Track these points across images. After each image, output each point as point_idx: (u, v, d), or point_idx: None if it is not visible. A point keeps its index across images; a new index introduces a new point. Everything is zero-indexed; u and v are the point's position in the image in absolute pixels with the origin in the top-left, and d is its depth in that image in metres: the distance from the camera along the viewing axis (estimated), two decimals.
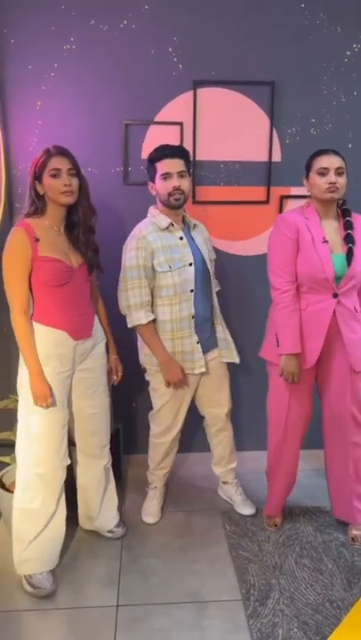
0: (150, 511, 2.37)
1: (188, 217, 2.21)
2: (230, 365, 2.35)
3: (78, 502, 2.22)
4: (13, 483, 2.04)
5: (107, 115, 2.44)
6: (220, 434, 2.41)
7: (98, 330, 2.05)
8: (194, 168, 2.42)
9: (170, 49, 2.41)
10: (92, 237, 1.95)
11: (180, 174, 2.04)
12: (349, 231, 1.99)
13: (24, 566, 1.97)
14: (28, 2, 2.31)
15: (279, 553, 2.15)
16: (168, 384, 2.15)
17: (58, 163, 1.81)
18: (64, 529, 2.02)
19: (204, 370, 2.17)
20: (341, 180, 1.95)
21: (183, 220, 2.19)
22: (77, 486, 2.19)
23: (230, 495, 2.47)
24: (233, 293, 2.51)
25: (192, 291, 2.11)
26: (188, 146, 2.37)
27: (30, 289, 1.86)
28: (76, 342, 1.92)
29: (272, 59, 2.45)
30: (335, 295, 1.99)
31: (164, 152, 2.04)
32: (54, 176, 1.81)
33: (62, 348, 1.90)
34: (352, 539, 2.19)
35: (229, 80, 2.45)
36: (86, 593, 1.96)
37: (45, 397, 1.85)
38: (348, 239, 1.98)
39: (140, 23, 2.38)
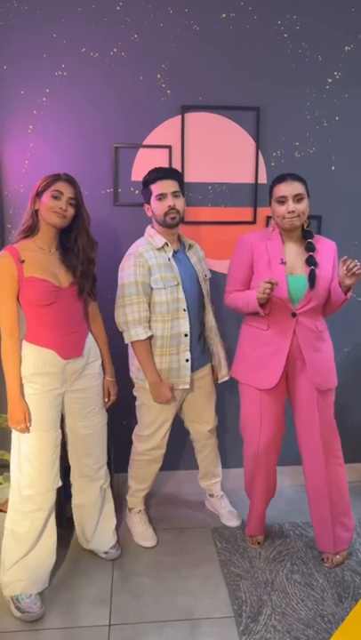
0: (147, 535, 2.36)
1: (183, 237, 2.29)
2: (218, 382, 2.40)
3: (75, 522, 2.22)
4: (5, 502, 2.03)
5: (97, 138, 2.50)
6: (204, 449, 2.47)
7: (92, 349, 2.05)
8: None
9: (158, 75, 2.49)
10: (92, 268, 2.00)
11: (175, 194, 2.11)
12: (311, 253, 2.02)
13: (9, 588, 1.95)
14: (21, 30, 2.38)
15: (270, 569, 2.16)
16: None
17: (62, 187, 1.88)
18: (53, 552, 2.02)
19: (187, 387, 2.21)
20: (301, 207, 1.97)
21: (179, 240, 2.26)
22: (73, 507, 2.19)
23: (216, 507, 2.53)
24: (220, 311, 2.55)
25: (185, 310, 2.15)
26: (176, 168, 2.43)
27: (23, 310, 1.90)
28: (65, 361, 1.93)
29: (257, 85, 2.53)
30: (294, 315, 2.03)
31: (157, 174, 2.12)
32: (55, 197, 1.87)
33: (51, 367, 1.91)
34: (322, 559, 2.20)
35: (216, 105, 2.53)
36: (78, 613, 1.95)
37: (19, 421, 1.86)
38: (310, 261, 2.02)
39: (129, 51, 2.45)
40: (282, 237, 2.08)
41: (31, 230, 1.92)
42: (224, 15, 2.47)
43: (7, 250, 1.86)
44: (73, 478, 2.16)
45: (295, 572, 2.14)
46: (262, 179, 2.60)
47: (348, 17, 2.53)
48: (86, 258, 1.97)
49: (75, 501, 2.17)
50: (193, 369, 2.23)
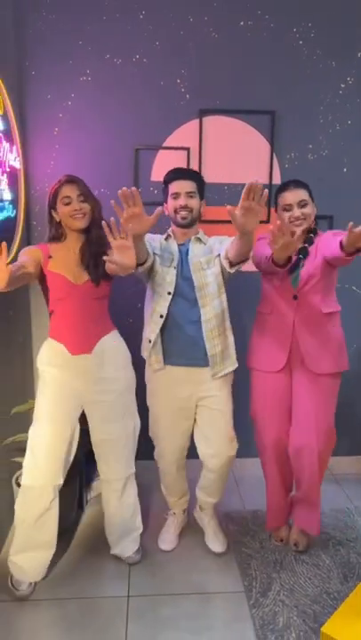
0: (165, 538, 2.36)
1: (204, 238, 2.22)
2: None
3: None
4: None
5: (119, 140, 2.63)
6: (206, 475, 2.29)
7: (107, 352, 2.05)
8: None
9: (178, 80, 2.61)
10: (102, 249, 1.97)
11: (189, 194, 2.10)
12: (306, 245, 2.09)
13: (11, 561, 2.04)
14: (49, 37, 2.51)
15: (279, 550, 2.28)
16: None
17: (68, 191, 1.96)
18: (49, 547, 2.04)
19: (157, 367, 2.15)
20: (306, 211, 2.06)
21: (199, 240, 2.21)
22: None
23: (203, 524, 2.40)
24: (233, 307, 2.64)
25: (169, 293, 2.10)
26: (196, 170, 2.54)
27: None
28: (74, 356, 2.01)
29: (273, 90, 2.64)
30: (295, 297, 2.09)
31: (175, 175, 2.15)
32: (66, 204, 1.96)
33: (61, 359, 2.01)
34: (294, 544, 2.29)
35: (233, 109, 2.64)
36: (99, 585, 2.09)
37: None
38: (301, 251, 2.07)
39: (151, 57, 2.58)
40: None
41: (57, 238, 2.05)
42: (242, 23, 2.58)
43: (39, 245, 2.03)
44: (101, 482, 2.21)
45: (303, 554, 2.26)
46: (276, 180, 2.71)
47: None
48: (97, 242, 1.99)
49: (103, 504, 2.22)
50: (175, 363, 2.15)
